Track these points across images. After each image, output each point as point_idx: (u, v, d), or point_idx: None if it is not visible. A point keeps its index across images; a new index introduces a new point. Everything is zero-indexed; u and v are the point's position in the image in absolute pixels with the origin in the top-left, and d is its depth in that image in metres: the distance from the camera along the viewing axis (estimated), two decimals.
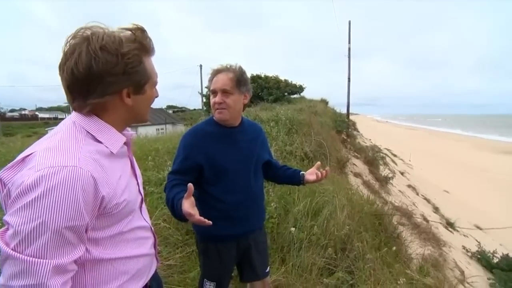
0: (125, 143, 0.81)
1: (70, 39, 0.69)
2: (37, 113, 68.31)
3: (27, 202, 0.58)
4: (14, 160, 0.65)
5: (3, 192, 0.63)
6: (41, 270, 0.58)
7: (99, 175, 0.67)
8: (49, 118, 59.75)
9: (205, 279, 1.39)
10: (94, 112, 0.73)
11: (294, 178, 1.47)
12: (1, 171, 0.64)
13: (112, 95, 0.72)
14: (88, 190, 0.64)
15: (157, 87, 0.85)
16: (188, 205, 0.98)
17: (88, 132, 0.72)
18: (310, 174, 1.42)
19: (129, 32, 0.72)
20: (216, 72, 1.30)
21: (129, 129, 0.86)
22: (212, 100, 1.30)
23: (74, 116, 0.73)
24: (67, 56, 0.68)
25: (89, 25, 0.70)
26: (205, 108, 18.20)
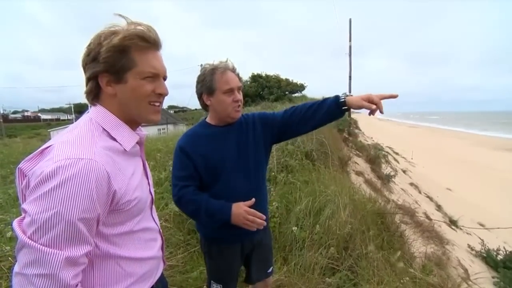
0: (138, 143, 0.83)
1: None
2: (39, 114, 68.71)
3: (44, 192, 0.60)
4: (33, 152, 0.68)
5: (22, 182, 0.66)
6: (54, 260, 0.59)
7: (112, 169, 0.69)
8: (51, 120, 60.08)
9: (212, 281, 1.38)
10: (95, 101, 0.77)
11: (330, 109, 1.19)
12: (21, 162, 0.67)
13: (92, 81, 0.75)
14: (101, 182, 0.66)
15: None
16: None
17: (104, 129, 0.75)
18: (359, 101, 1.10)
19: (130, 27, 0.74)
20: (224, 70, 1.23)
21: (142, 129, 0.87)
22: (228, 98, 1.22)
23: (91, 112, 0.77)
24: None
25: (110, 25, 0.74)
26: None
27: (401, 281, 1.97)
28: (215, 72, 1.23)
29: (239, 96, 1.26)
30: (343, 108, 1.18)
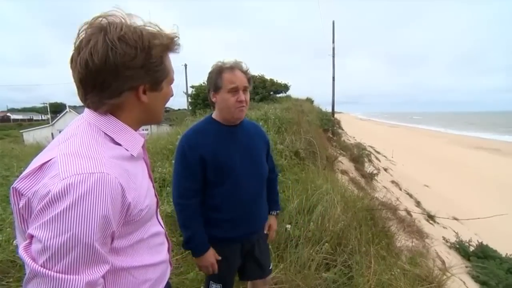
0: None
1: (85, 28, 0.64)
2: (8, 114, 64.25)
3: (55, 214, 0.53)
4: (30, 169, 0.59)
5: (19, 203, 0.58)
6: (74, 287, 0.54)
7: (125, 181, 0.63)
8: (22, 120, 56.41)
9: (211, 281, 1.37)
10: (110, 111, 0.69)
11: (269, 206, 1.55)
12: (16, 181, 0.59)
13: (129, 91, 0.67)
14: (116, 197, 0.60)
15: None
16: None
17: (106, 134, 0.67)
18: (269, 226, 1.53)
19: (151, 27, 0.68)
20: (232, 69, 1.23)
21: (140, 128, 0.81)
22: (232, 97, 1.22)
23: (87, 115, 0.68)
24: (81, 47, 0.63)
25: (105, 14, 0.65)
26: (190, 108, 17.94)
27: (392, 273, 2.07)
28: (223, 70, 1.23)
29: (244, 96, 1.24)
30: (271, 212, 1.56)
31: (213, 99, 1.28)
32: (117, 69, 0.63)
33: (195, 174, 1.23)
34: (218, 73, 1.24)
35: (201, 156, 1.22)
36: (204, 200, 1.29)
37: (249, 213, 1.33)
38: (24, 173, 0.59)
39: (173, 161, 1.34)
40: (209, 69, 1.30)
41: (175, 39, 0.71)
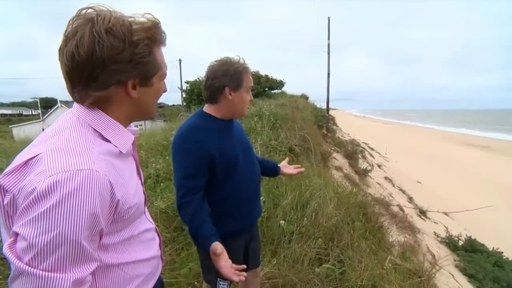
0: None
1: (73, 20, 0.62)
2: None
3: (41, 212, 0.52)
4: (15, 164, 0.57)
5: (3, 200, 0.57)
6: (60, 285, 0.53)
7: (113, 178, 0.62)
8: (12, 115, 55.17)
9: (218, 279, 1.34)
10: (97, 104, 0.67)
11: (272, 170, 1.61)
12: (0, 177, 0.57)
13: (117, 86, 0.65)
14: (105, 195, 0.59)
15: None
16: (225, 262, 1.13)
17: (95, 130, 0.66)
18: (286, 167, 1.62)
19: (141, 19, 0.66)
20: (248, 69, 1.29)
21: (131, 124, 0.79)
22: (248, 97, 1.31)
23: (77, 110, 0.67)
24: (68, 38, 0.61)
25: (92, 5, 0.63)
26: (184, 104, 17.81)
27: (384, 267, 2.12)
28: (246, 71, 1.26)
29: (251, 96, 1.34)
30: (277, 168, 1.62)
31: (228, 96, 1.24)
32: (104, 62, 0.61)
33: (202, 171, 1.20)
34: (242, 72, 1.25)
35: (209, 153, 1.19)
36: (207, 197, 1.26)
37: (250, 206, 1.37)
38: (8, 168, 0.57)
39: (167, 157, 1.33)
40: (216, 64, 1.26)
41: (158, 25, 0.68)
